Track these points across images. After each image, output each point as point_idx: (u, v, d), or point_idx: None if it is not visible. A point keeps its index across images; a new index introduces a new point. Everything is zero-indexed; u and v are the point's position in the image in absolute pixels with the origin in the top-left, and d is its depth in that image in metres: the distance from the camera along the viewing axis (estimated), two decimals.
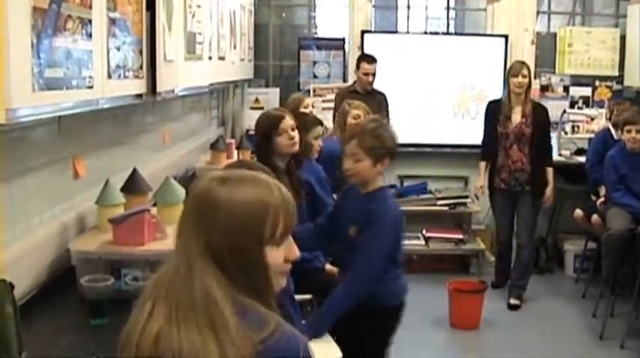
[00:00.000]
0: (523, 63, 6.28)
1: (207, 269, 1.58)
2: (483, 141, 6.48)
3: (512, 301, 6.29)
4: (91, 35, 2.73)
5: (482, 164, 6.47)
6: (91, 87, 2.75)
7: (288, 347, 1.56)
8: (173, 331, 1.53)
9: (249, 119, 7.22)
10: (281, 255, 1.66)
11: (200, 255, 1.59)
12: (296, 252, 1.70)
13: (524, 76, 6.14)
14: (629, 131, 5.82)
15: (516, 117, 6.20)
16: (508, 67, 6.56)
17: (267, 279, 1.64)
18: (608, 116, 7.17)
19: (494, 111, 6.34)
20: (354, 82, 6.88)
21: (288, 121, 4.01)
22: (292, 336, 1.59)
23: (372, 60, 6.71)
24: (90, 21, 2.71)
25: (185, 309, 1.54)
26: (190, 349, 1.50)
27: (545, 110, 6.32)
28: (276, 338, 1.54)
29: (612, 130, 6.51)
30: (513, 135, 6.17)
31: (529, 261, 6.43)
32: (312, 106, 5.98)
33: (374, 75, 6.70)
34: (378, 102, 6.60)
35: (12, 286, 1.93)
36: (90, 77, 2.73)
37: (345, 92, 6.80)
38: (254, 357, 1.50)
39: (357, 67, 6.77)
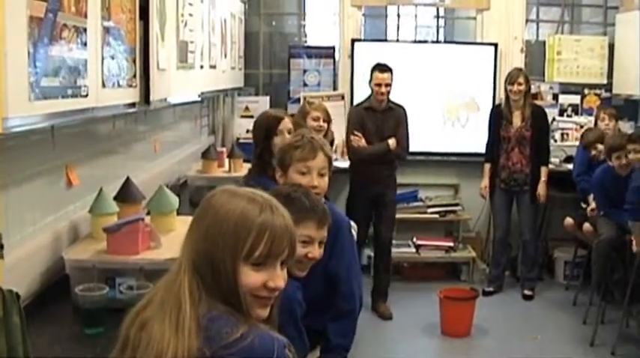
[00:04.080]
0: (520, 70, 6.65)
1: (188, 273, 1.66)
2: (487, 144, 6.75)
3: (526, 292, 6.70)
4: (86, 44, 2.73)
5: (487, 166, 6.74)
6: (85, 96, 2.75)
7: (261, 346, 1.59)
8: (156, 321, 1.62)
9: (240, 127, 7.24)
10: (259, 278, 1.67)
11: (187, 259, 1.68)
12: (278, 282, 1.70)
13: (519, 84, 6.46)
14: (618, 157, 5.78)
15: (517, 121, 6.55)
16: (503, 73, 6.68)
17: (237, 296, 1.66)
18: (594, 124, 7.22)
19: (497, 116, 6.66)
20: (369, 97, 6.31)
21: (287, 123, 4.16)
22: (267, 336, 1.63)
23: (385, 68, 6.14)
24: (85, 30, 2.71)
25: (167, 305, 1.63)
26: (156, 339, 1.59)
27: (544, 112, 6.69)
28: (248, 340, 1.58)
29: None
30: (514, 138, 6.54)
31: (535, 255, 6.78)
32: (323, 120, 5.55)
33: (388, 86, 6.11)
34: (395, 118, 6.20)
35: (18, 296, 1.92)
36: (85, 86, 2.73)
37: (359, 109, 6.36)
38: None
39: (370, 78, 6.21)
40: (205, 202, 1.74)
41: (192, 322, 1.59)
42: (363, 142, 6.12)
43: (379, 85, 6.09)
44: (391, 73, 6.12)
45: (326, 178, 3.23)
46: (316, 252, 2.71)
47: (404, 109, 6.27)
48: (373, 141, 6.15)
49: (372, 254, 6.46)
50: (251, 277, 1.66)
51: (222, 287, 1.65)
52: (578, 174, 6.52)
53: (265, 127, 4.15)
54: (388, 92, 6.14)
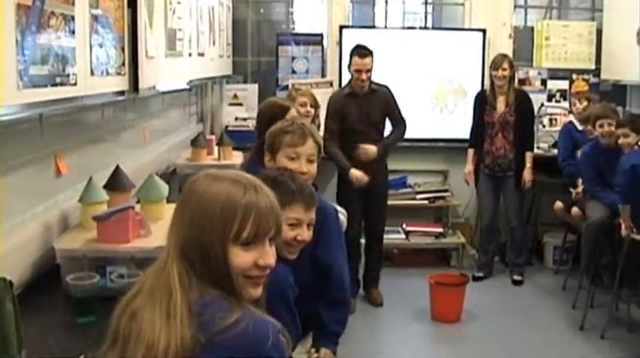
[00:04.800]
0: (505, 56, 6.64)
1: (177, 260, 1.66)
2: (472, 129, 6.76)
3: (515, 277, 6.73)
4: (74, 32, 2.72)
5: (471, 151, 6.75)
6: (74, 84, 2.74)
7: (256, 331, 1.59)
8: (146, 311, 1.61)
9: (229, 115, 7.22)
10: (250, 258, 1.68)
11: (174, 247, 1.68)
12: (269, 260, 1.71)
13: (504, 69, 6.46)
14: (601, 125, 5.89)
15: (500, 106, 6.56)
16: (491, 59, 6.71)
17: (230, 279, 1.66)
18: (569, 109, 7.25)
19: (482, 101, 6.67)
20: (349, 82, 6.07)
21: (293, 113, 4.16)
22: (261, 321, 1.63)
23: (365, 53, 5.82)
24: (73, 17, 2.70)
25: (157, 294, 1.63)
26: (147, 329, 1.58)
27: (528, 98, 6.70)
28: (243, 325, 1.58)
29: (575, 122, 6.73)
30: (498, 123, 6.56)
31: (523, 240, 6.81)
32: (310, 106, 5.59)
33: (369, 71, 5.84)
34: (380, 100, 5.98)
35: (11, 284, 1.92)
36: (73, 74, 2.72)
37: (339, 96, 6.04)
38: (193, 345, 1.55)
39: (349, 63, 5.93)
40: (188, 188, 1.73)
41: (184, 309, 1.59)
42: (360, 176, 5.82)
43: (359, 71, 5.82)
44: (371, 57, 5.84)
45: (315, 165, 3.22)
46: (305, 234, 2.71)
47: (388, 88, 6.07)
48: (360, 127, 5.89)
49: (363, 241, 6.33)
50: (241, 257, 1.67)
51: (213, 271, 1.65)
52: (564, 158, 6.57)
53: (270, 116, 4.01)
54: (369, 77, 5.87)
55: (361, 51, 5.84)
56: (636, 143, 5.56)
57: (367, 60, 5.80)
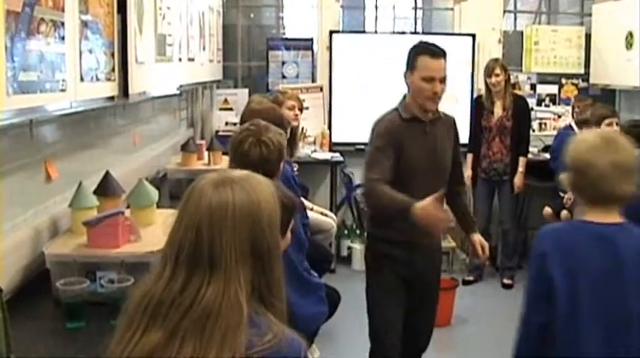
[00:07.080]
0: (497, 60, 6.67)
1: (244, 275, 1.61)
2: (470, 134, 6.76)
3: (506, 281, 6.79)
4: (63, 38, 2.72)
5: (470, 156, 6.75)
6: (64, 90, 2.75)
7: (290, 350, 1.61)
8: (172, 346, 1.54)
9: (219, 120, 7.22)
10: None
11: (241, 262, 1.61)
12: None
13: (497, 75, 6.52)
14: (610, 124, 5.93)
15: (498, 111, 6.60)
16: (481, 64, 6.74)
17: (279, 281, 1.69)
18: (571, 113, 7.29)
19: (480, 107, 6.72)
20: (403, 99, 3.80)
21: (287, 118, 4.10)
22: (294, 340, 1.64)
23: (438, 52, 3.65)
24: (62, 24, 2.71)
25: (193, 321, 1.55)
26: None
27: (525, 102, 6.78)
28: (277, 343, 1.58)
29: (575, 127, 6.69)
30: (496, 128, 6.60)
31: (514, 243, 6.85)
32: (298, 108, 5.39)
33: (444, 81, 3.63)
34: (451, 132, 3.88)
35: (0, 290, 1.92)
36: (63, 80, 2.73)
37: (394, 121, 3.72)
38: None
39: (411, 68, 3.72)
40: (240, 207, 1.63)
41: (245, 323, 1.57)
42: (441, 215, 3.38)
43: (432, 79, 3.60)
44: (445, 59, 3.68)
45: None
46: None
47: (454, 120, 3.99)
48: (423, 169, 3.67)
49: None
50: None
51: (273, 273, 1.67)
52: (551, 159, 6.69)
53: (278, 124, 3.67)
54: (443, 91, 3.65)
55: (433, 49, 3.68)
56: None
57: (442, 62, 3.66)
